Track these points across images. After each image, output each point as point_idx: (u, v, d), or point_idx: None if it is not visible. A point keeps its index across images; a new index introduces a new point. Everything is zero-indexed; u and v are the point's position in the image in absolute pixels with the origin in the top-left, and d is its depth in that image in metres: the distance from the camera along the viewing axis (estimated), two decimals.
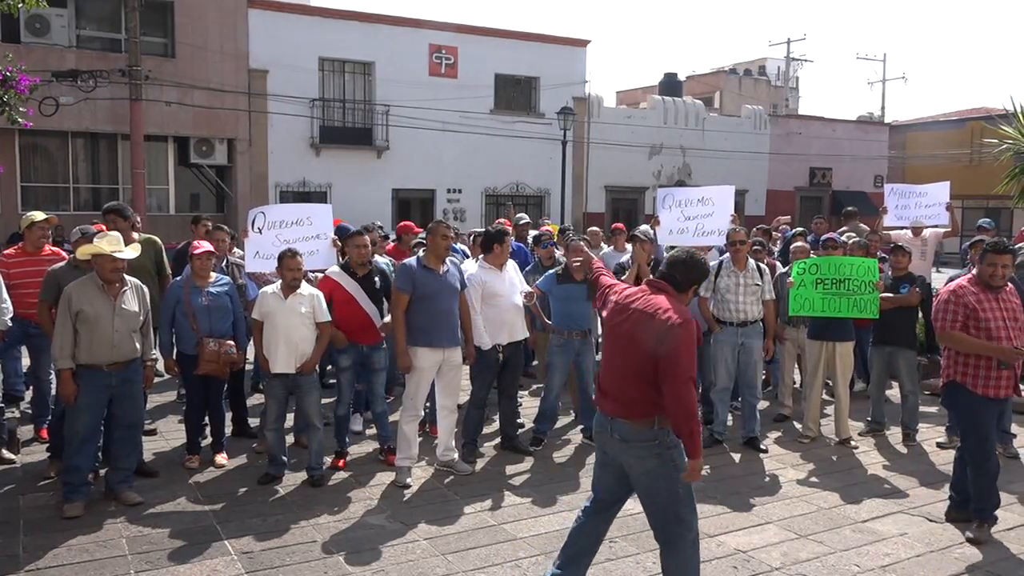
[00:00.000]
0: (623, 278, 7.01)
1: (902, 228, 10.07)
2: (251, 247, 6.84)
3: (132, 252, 5.56)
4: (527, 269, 8.23)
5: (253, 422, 7.24)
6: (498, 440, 6.98)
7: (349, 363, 6.36)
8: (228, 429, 6.83)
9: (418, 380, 6.00)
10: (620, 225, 10.30)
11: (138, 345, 5.48)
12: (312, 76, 23.15)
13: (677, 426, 3.53)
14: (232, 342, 6.28)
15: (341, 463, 6.32)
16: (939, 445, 7.19)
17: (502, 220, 11.25)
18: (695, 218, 7.83)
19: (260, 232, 6.84)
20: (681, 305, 3.71)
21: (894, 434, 7.54)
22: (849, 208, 11.55)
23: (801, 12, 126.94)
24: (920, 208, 9.88)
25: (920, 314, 7.55)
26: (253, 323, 6.08)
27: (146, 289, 5.69)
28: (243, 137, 22.41)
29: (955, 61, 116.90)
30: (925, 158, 33.30)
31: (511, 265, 6.73)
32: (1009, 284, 5.25)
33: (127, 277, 5.52)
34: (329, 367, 8.63)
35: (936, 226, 9.88)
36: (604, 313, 3.96)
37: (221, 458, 6.39)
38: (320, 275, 6.69)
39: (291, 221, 6.90)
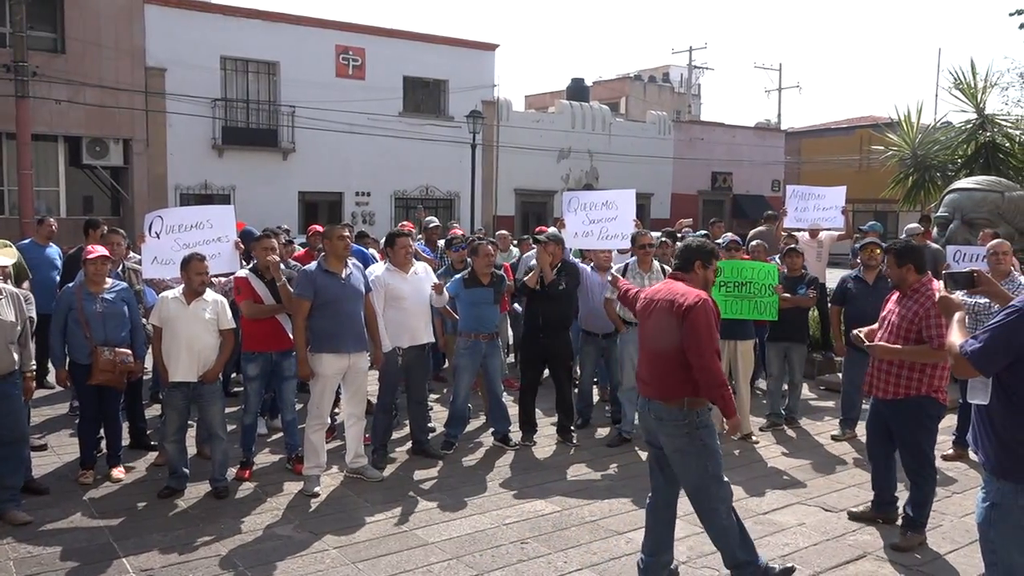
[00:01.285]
0: (525, 279, 7.08)
1: (800, 230, 10.47)
2: (148, 253, 6.57)
3: (6, 259, 5.27)
4: (439, 272, 8.24)
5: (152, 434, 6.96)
6: (409, 445, 6.93)
7: (257, 371, 6.20)
8: (125, 441, 6.55)
9: (323, 387, 5.92)
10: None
11: (16, 356, 5.21)
12: (214, 75, 22.49)
13: (709, 394, 3.99)
14: (128, 350, 6.03)
15: (247, 474, 6.15)
16: (833, 438, 7.50)
17: (405, 223, 11.19)
18: (599, 221, 7.94)
19: (158, 237, 6.58)
20: (695, 286, 4.15)
21: (796, 428, 7.83)
22: (769, 212, 11.93)
23: (702, 21, 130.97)
24: (818, 211, 10.30)
25: (813, 312, 7.88)
26: (153, 329, 5.85)
27: (26, 296, 5.40)
28: (140, 137, 21.57)
29: (845, 71, 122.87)
30: (819, 163, 34.80)
31: (422, 268, 6.69)
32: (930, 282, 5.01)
33: (2, 286, 5.23)
34: (234, 374, 8.39)
35: (832, 229, 10.32)
36: (636, 309, 4.47)
37: (118, 472, 6.13)
38: (223, 279, 6.51)
39: (190, 224, 6.67)
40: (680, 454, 4.14)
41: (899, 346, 4.79)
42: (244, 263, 6.82)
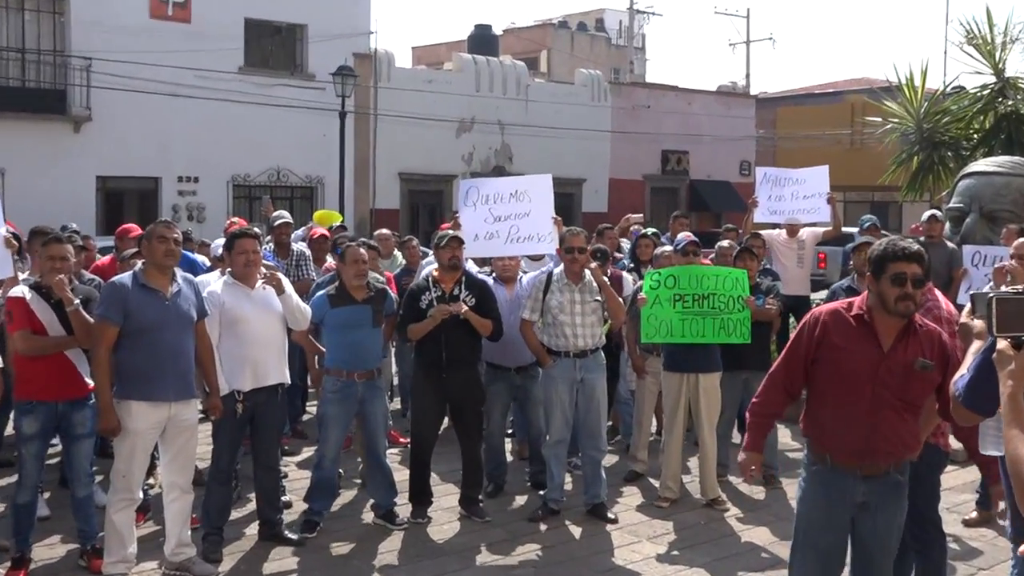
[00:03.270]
0: (432, 312, 7.00)
1: (775, 226, 10.72)
2: None
3: None
4: (317, 283, 8.18)
5: None
6: (256, 527, 6.80)
7: (36, 428, 6.00)
8: None
9: (132, 448, 5.82)
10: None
11: None
12: None
13: None
14: None
15: (22, 574, 5.93)
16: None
17: (234, 219, 11.02)
18: (507, 219, 7.99)
19: None
20: None
21: (774, 487, 7.99)
22: (729, 226, 12.18)
23: None
24: (797, 200, 10.59)
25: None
26: None
27: None
28: None
29: (831, 21, 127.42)
30: (799, 140, 35.81)
31: (288, 288, 6.62)
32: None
33: None
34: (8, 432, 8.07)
35: (815, 224, 10.60)
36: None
37: None
38: None
39: None
40: None
41: None
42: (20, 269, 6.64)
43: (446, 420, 7.92)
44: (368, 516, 7.23)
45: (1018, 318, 2.88)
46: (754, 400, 4.79)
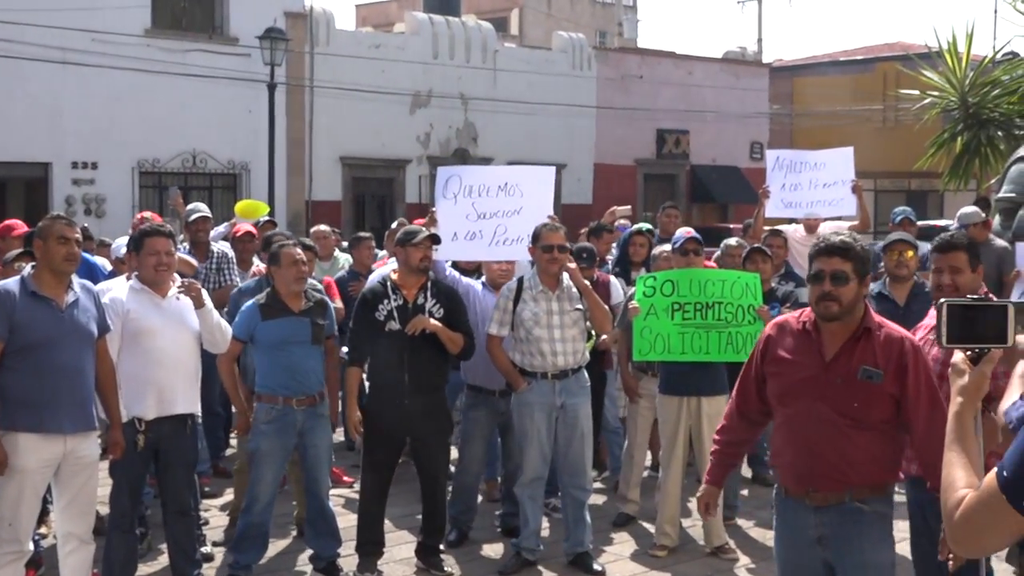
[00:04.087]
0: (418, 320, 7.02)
1: (791, 221, 10.81)
2: None
3: None
4: (240, 289, 8.22)
5: None
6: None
7: None
8: None
9: (20, 490, 5.79)
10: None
11: None
12: None
13: None
14: None
15: None
16: None
17: (147, 214, 10.96)
18: (493, 216, 8.00)
19: None
20: None
21: None
22: (748, 221, 12.18)
23: None
24: (816, 189, 10.68)
25: None
26: None
27: None
28: None
29: None
30: (821, 117, 35.95)
31: (207, 302, 6.63)
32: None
33: None
34: None
35: (839, 217, 10.68)
36: None
37: None
38: None
39: None
40: None
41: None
42: None
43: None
44: (306, 568, 7.24)
45: (971, 327, 2.95)
46: (718, 427, 4.96)
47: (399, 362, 7.03)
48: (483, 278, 8.34)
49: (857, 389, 4.40)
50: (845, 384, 4.41)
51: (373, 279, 8.21)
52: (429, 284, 7.20)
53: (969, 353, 2.94)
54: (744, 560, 7.58)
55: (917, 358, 4.44)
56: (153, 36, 25.24)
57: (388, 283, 7.21)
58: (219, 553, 7.47)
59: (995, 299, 3.09)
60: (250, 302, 7.18)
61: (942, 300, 3.03)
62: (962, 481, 2.65)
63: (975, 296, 3.09)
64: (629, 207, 12.35)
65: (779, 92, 38.90)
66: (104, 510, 6.94)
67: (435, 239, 7.26)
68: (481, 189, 8.06)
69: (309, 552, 7.28)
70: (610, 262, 10.29)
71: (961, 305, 3.00)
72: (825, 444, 4.42)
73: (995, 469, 2.53)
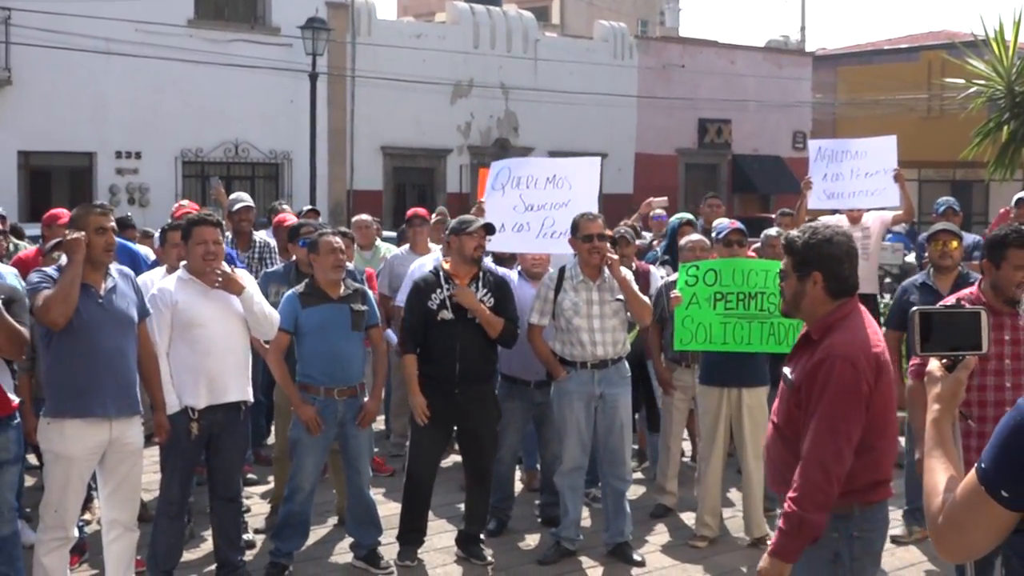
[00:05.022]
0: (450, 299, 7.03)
1: (834, 212, 10.74)
2: None
3: None
4: (267, 273, 8.24)
5: None
6: (213, 569, 6.84)
7: None
8: None
9: (65, 476, 5.83)
10: (421, 210, 10.33)
11: None
12: None
13: None
14: None
15: None
16: (894, 540, 7.69)
17: (184, 202, 11.02)
18: (541, 208, 7.99)
19: None
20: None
21: None
22: (785, 211, 12.15)
23: None
24: (857, 178, 10.60)
25: None
26: None
27: None
28: None
29: None
30: (865, 106, 35.68)
31: (247, 278, 6.66)
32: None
33: None
34: None
35: (882, 208, 10.61)
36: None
37: None
38: None
39: None
40: None
41: None
42: None
43: None
44: (346, 556, 7.26)
45: (946, 335, 2.94)
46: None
47: (450, 352, 7.04)
48: (518, 267, 8.36)
49: (782, 391, 4.39)
50: (782, 389, 4.40)
51: (412, 270, 8.30)
52: (482, 274, 7.22)
53: (945, 361, 2.92)
54: None
55: (826, 384, 4.15)
56: (196, 26, 25.38)
57: (441, 272, 7.22)
58: (260, 540, 7.52)
59: (968, 306, 3.02)
60: (289, 292, 7.18)
61: (914, 308, 3.02)
62: (943, 485, 2.65)
63: (948, 304, 3.07)
64: (666, 198, 12.30)
65: (822, 81, 38.70)
66: (148, 497, 7.00)
67: (489, 229, 7.26)
68: (529, 180, 8.05)
69: (349, 540, 7.31)
70: (657, 250, 10.28)
71: (934, 312, 2.99)
72: (769, 447, 4.49)
73: (975, 466, 2.54)
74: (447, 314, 7.02)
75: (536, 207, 8.03)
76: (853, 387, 4.12)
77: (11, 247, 9.13)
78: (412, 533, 7.26)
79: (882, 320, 8.85)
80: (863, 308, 4.43)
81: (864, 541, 4.27)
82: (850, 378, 4.12)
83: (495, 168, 8.34)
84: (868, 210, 10.52)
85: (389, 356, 9.39)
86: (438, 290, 7.10)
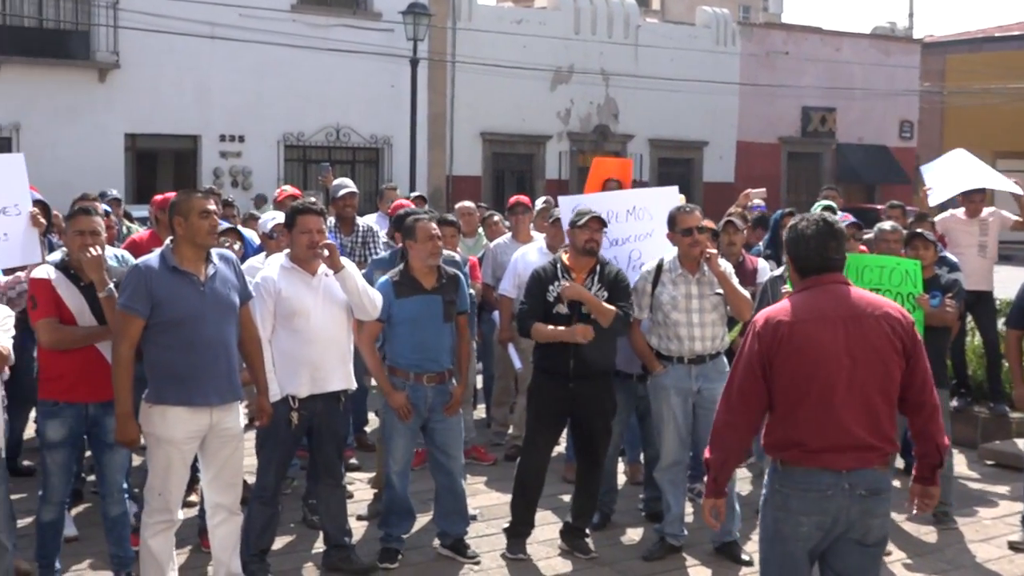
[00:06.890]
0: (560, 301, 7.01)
1: (944, 209, 10.50)
2: None
3: None
4: (375, 260, 8.32)
5: None
6: (322, 550, 6.94)
7: (63, 434, 6.15)
8: None
9: (168, 461, 5.89)
10: (523, 198, 10.29)
11: None
12: None
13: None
14: None
15: None
16: (1012, 545, 7.55)
17: (285, 187, 11.08)
18: (626, 242, 7.95)
19: None
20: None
21: (946, 526, 7.88)
22: (894, 202, 11.85)
23: None
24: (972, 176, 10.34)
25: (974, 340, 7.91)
26: None
27: None
28: None
29: None
30: (974, 95, 35.06)
31: (349, 266, 6.67)
32: None
33: None
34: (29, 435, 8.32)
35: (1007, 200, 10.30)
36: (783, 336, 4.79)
37: None
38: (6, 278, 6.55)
39: None
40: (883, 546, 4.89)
41: None
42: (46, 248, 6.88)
43: None
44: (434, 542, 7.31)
45: None
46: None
47: (565, 345, 7.00)
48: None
49: None
50: None
51: (524, 256, 8.46)
52: (599, 267, 7.15)
53: None
54: (898, 555, 7.39)
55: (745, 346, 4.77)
56: (298, 11, 25.68)
57: (559, 265, 7.20)
58: (359, 528, 7.55)
59: None
60: (383, 279, 7.15)
61: None
62: None
63: None
64: (764, 189, 12.08)
65: (930, 69, 38.14)
66: (252, 479, 7.06)
67: (602, 221, 7.18)
68: (610, 215, 7.91)
69: (438, 530, 7.31)
70: (759, 245, 10.16)
71: None
72: None
73: None
74: (562, 308, 7.00)
75: (621, 241, 7.96)
76: (748, 345, 4.73)
77: (124, 230, 9.28)
78: (522, 526, 7.27)
79: (1004, 318, 8.66)
80: (834, 286, 4.77)
81: (782, 496, 4.71)
82: (748, 338, 4.75)
83: (565, 205, 8.22)
84: (984, 204, 10.23)
85: (493, 346, 9.43)
86: (556, 282, 7.06)
